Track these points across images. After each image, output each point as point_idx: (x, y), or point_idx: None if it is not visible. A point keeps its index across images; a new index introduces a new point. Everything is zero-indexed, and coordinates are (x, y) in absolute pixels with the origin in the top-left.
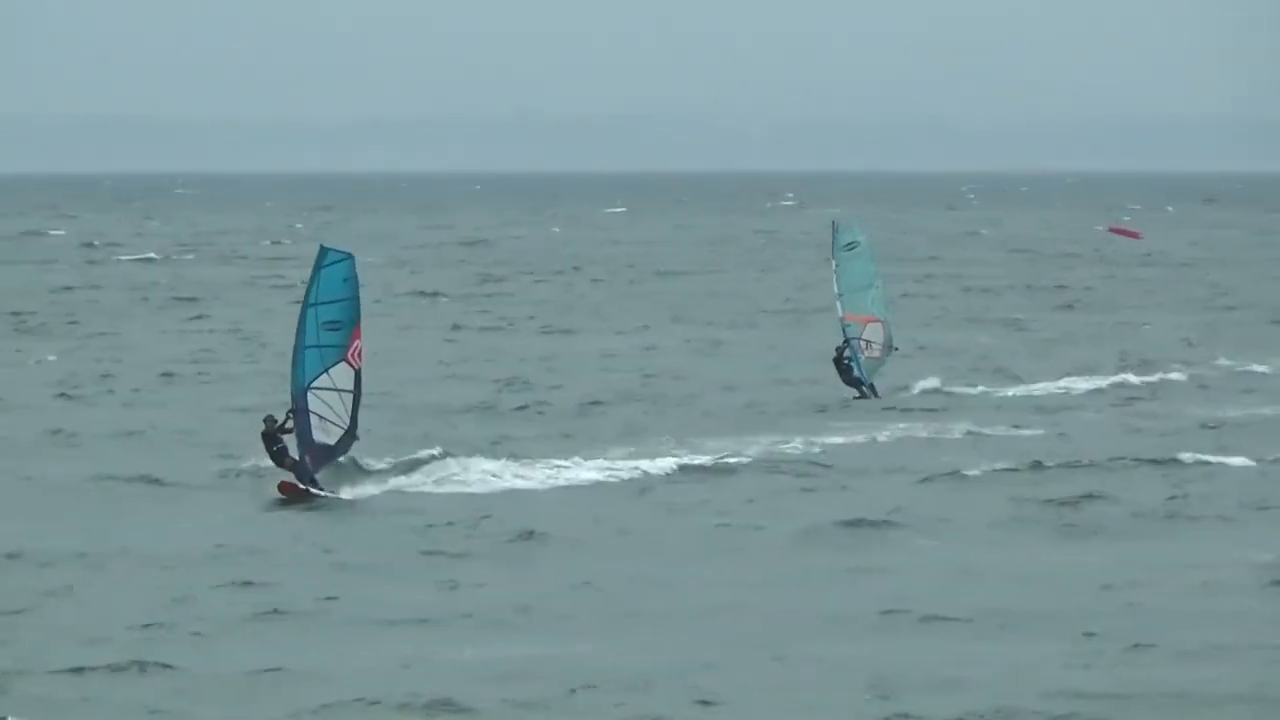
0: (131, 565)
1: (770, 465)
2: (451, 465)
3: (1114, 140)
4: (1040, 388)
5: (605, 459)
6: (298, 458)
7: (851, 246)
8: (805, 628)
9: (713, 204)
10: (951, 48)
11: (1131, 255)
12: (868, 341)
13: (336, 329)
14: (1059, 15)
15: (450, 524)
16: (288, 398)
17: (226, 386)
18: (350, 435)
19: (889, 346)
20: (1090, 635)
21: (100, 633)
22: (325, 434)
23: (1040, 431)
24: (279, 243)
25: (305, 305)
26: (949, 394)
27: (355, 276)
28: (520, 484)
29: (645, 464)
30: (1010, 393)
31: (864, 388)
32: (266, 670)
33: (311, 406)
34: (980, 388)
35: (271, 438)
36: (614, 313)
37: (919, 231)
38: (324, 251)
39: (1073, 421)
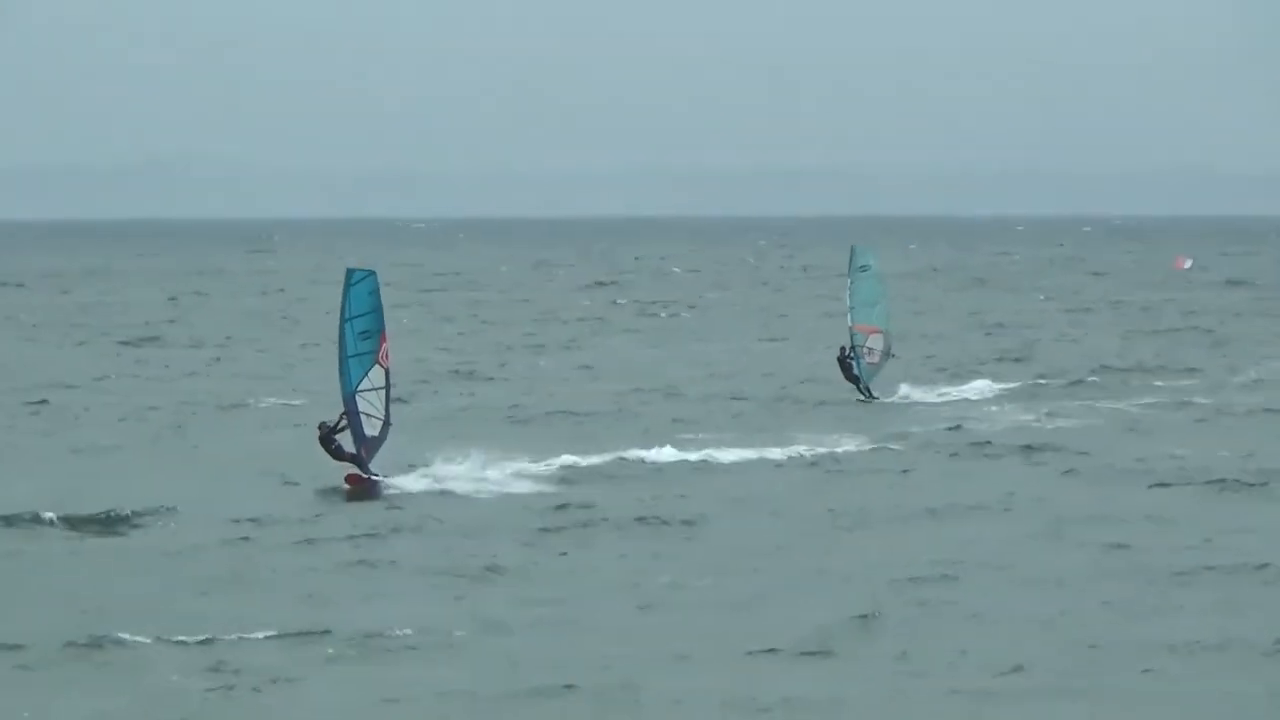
0: None
1: None
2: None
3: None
4: None
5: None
6: (355, 452)
7: (864, 269)
8: None
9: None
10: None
11: None
12: (870, 349)
13: (368, 337)
14: None
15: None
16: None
17: None
18: (387, 424)
19: (887, 354)
20: None
21: None
22: (371, 428)
23: None
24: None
25: (342, 321)
26: None
27: (378, 290)
28: None
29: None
30: None
31: (861, 387)
32: None
33: (360, 408)
34: None
35: (327, 440)
36: None
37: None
38: (350, 272)
39: None
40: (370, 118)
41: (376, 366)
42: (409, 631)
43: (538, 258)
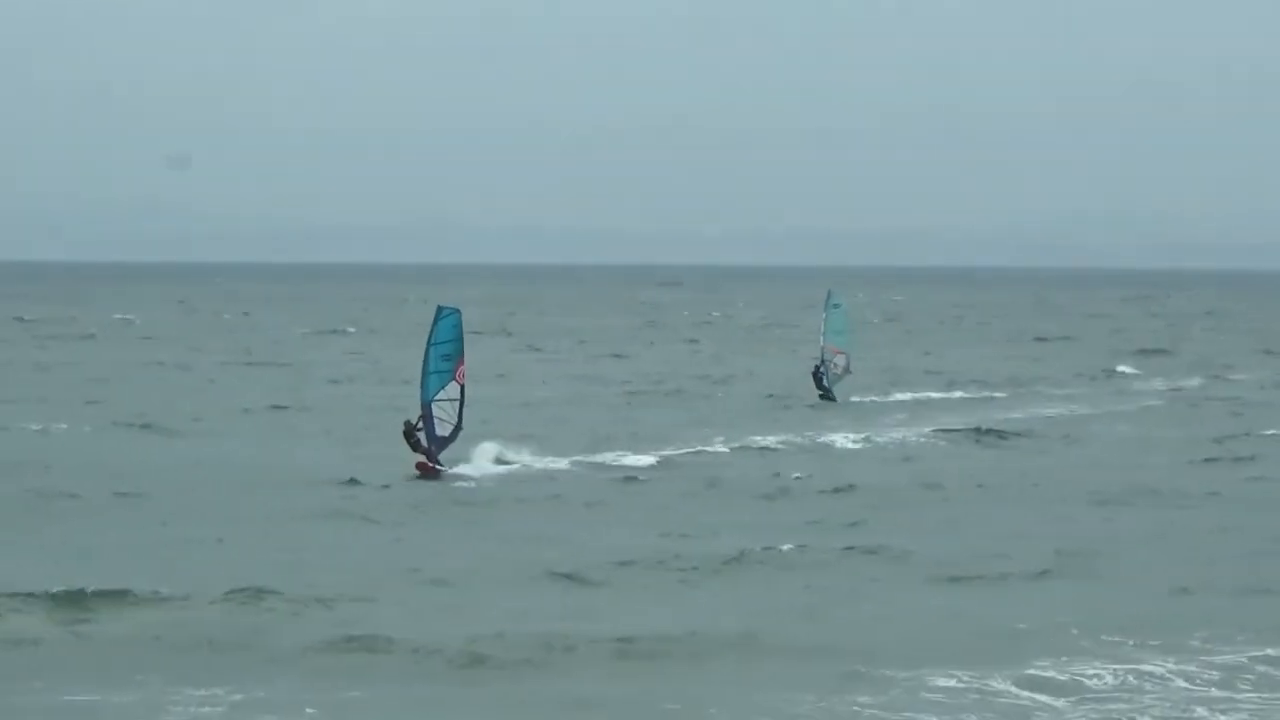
0: None
1: None
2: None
3: None
4: None
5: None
6: (427, 445)
7: (836, 306)
8: None
9: None
10: None
11: None
12: (835, 363)
13: (449, 360)
14: None
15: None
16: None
17: None
18: (458, 428)
19: (846, 370)
20: None
21: None
22: (443, 430)
23: None
24: None
25: (428, 344)
26: None
27: (461, 324)
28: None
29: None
30: None
31: (827, 388)
32: None
33: (435, 413)
34: None
35: (409, 434)
36: None
37: None
38: (439, 309)
39: None
40: None
41: (453, 383)
42: None
43: None
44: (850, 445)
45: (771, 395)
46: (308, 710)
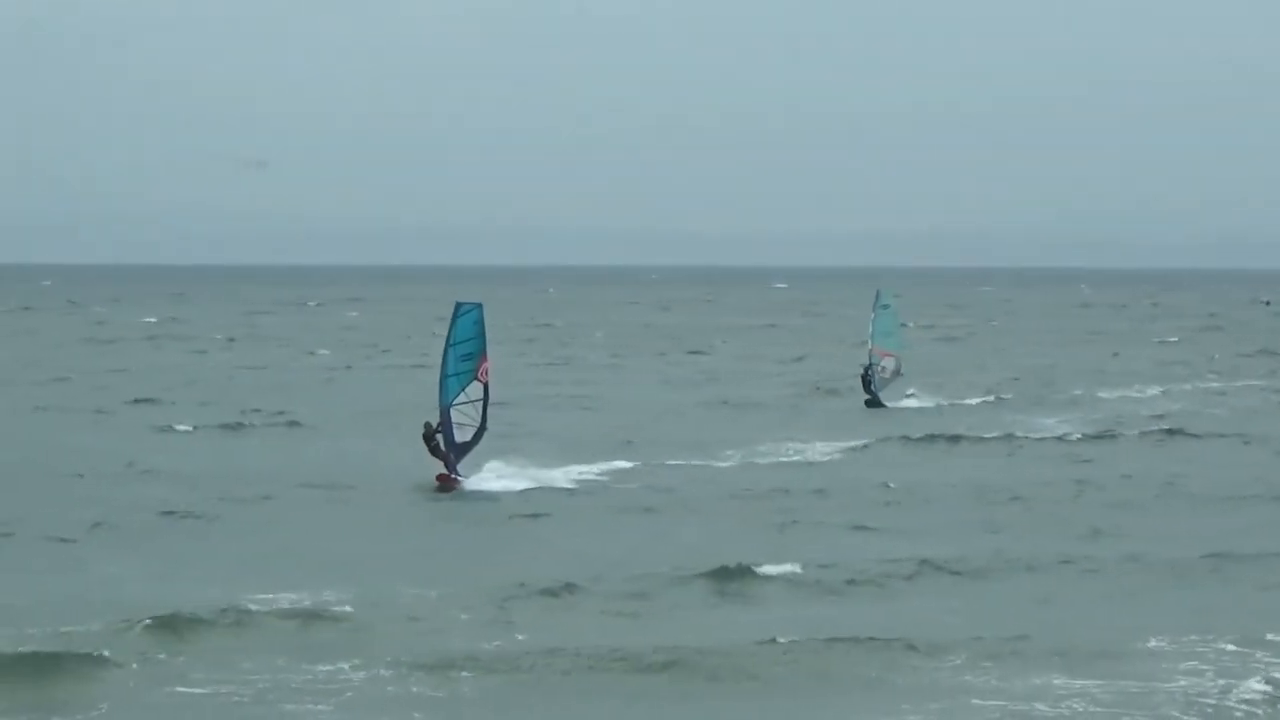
0: None
1: None
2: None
3: None
4: None
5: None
6: (446, 451)
7: (886, 307)
8: None
9: None
10: None
11: None
12: (883, 366)
13: (469, 359)
14: None
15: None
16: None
17: None
18: (481, 429)
19: (897, 373)
20: None
21: None
22: (464, 435)
23: None
24: None
25: (447, 345)
26: None
27: (482, 320)
28: None
29: None
30: None
31: (874, 393)
32: None
33: (454, 419)
34: None
35: (429, 438)
36: None
37: None
38: (459, 305)
39: None
40: None
41: (475, 382)
42: None
43: None
44: None
45: None
46: None
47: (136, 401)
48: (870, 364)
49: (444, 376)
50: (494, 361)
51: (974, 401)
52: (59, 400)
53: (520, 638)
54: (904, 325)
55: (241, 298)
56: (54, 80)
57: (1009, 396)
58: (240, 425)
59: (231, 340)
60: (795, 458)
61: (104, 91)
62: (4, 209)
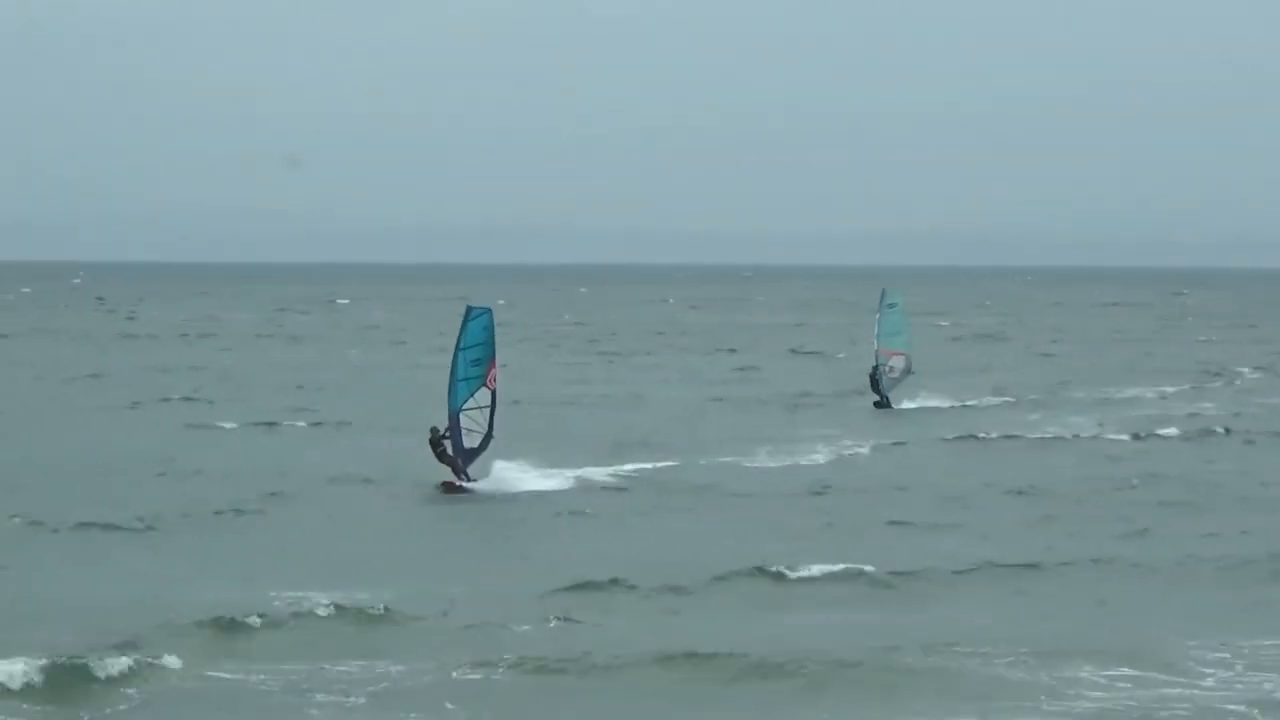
0: None
1: None
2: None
3: None
4: None
5: None
6: (454, 456)
7: (892, 306)
8: None
9: None
10: None
11: None
12: (891, 366)
13: (479, 364)
14: None
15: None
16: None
17: None
18: (488, 437)
19: (906, 372)
20: None
21: None
22: (471, 440)
23: None
24: None
25: (456, 350)
26: None
27: (492, 325)
28: None
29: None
30: None
31: (883, 394)
32: None
33: (462, 424)
34: None
35: (435, 443)
36: None
37: None
38: (469, 309)
39: None
40: None
41: (484, 389)
42: None
43: None
44: None
45: None
46: None
47: (175, 400)
48: (878, 364)
49: (453, 381)
50: (527, 360)
51: (1007, 401)
52: (94, 398)
53: (559, 634)
54: (930, 326)
55: (264, 296)
56: (54, 80)
57: (1039, 397)
58: (275, 424)
59: (259, 337)
60: (832, 456)
61: (104, 91)
62: (4, 209)
